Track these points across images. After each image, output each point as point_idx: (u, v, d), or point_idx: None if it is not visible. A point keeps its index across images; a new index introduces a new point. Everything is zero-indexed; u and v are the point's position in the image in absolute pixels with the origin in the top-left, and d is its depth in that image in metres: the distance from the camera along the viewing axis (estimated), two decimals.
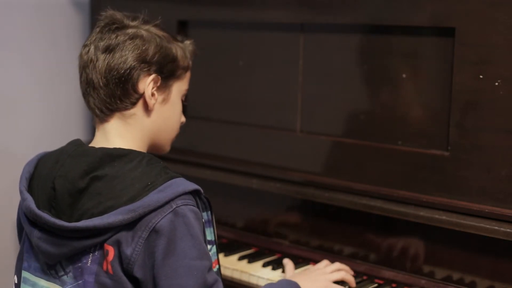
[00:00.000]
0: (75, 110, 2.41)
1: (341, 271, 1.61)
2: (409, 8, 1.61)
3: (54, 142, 1.44)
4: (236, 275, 1.72)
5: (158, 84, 1.37)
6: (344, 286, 1.59)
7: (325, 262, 1.66)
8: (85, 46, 1.38)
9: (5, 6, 2.23)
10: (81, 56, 1.38)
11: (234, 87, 1.98)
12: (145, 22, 1.40)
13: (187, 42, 1.48)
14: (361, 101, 1.74)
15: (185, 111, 2.06)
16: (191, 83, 2.05)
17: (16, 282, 1.40)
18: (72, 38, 2.36)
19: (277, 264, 1.74)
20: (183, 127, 2.04)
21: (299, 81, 1.83)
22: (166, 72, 1.39)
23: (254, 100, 1.94)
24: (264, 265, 1.74)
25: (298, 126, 1.85)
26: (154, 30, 1.39)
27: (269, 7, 1.85)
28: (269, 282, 1.55)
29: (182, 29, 2.05)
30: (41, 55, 2.34)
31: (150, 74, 1.36)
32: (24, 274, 1.37)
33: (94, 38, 1.37)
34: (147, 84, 1.35)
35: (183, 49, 1.44)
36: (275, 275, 1.69)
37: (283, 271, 1.70)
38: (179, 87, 1.44)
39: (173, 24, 2.03)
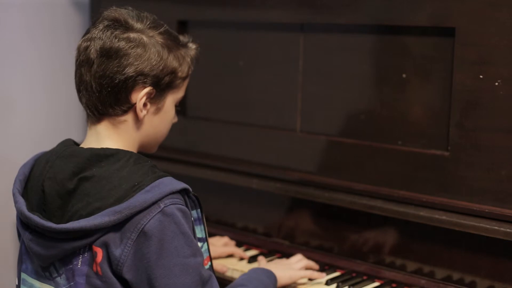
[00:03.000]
0: (75, 110, 2.41)
1: (302, 259, 1.69)
2: (409, 8, 1.61)
3: (54, 142, 1.44)
4: (236, 275, 1.71)
5: (152, 96, 1.34)
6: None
7: (285, 258, 1.73)
8: (85, 40, 1.33)
9: (5, 6, 2.23)
10: (79, 50, 1.33)
11: (234, 87, 1.98)
12: (152, 27, 1.35)
13: (192, 46, 1.43)
14: (361, 101, 1.74)
15: (183, 111, 2.07)
16: (192, 83, 2.05)
17: (17, 283, 1.40)
18: (72, 38, 2.36)
19: None
20: (183, 127, 2.04)
21: (299, 81, 1.83)
22: (163, 84, 1.35)
23: (254, 100, 1.94)
24: None
25: (298, 126, 1.84)
26: (158, 38, 1.34)
27: (269, 7, 1.85)
28: None
29: (182, 29, 2.05)
30: (41, 55, 2.34)
31: (145, 87, 1.32)
32: (23, 275, 1.37)
33: (95, 35, 1.32)
34: (139, 98, 1.32)
35: (184, 57, 1.39)
36: None
37: None
38: (174, 96, 1.40)
39: (173, 24, 2.02)
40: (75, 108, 2.41)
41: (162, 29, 1.36)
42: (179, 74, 1.38)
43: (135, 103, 1.32)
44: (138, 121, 1.35)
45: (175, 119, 1.46)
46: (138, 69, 1.30)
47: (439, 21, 1.57)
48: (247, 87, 1.95)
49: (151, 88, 1.33)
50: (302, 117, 1.84)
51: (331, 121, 1.79)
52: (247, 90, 1.95)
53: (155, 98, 1.35)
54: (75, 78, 1.35)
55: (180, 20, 2.05)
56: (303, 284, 1.64)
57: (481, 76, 1.51)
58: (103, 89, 1.31)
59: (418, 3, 1.59)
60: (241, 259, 1.79)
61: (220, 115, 2.01)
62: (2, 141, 2.26)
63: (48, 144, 1.43)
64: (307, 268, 1.67)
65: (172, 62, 1.35)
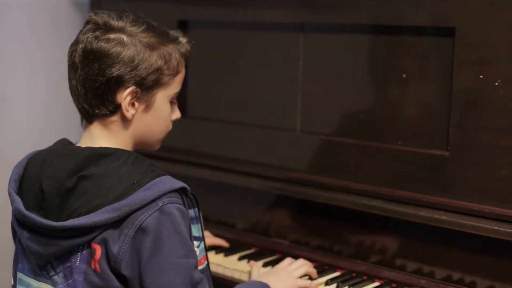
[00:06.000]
0: (74, 110, 2.40)
1: (304, 265, 1.62)
2: (409, 8, 1.61)
3: (54, 141, 1.44)
4: (236, 275, 1.72)
5: (138, 95, 1.33)
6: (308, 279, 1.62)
7: (288, 260, 1.64)
8: (72, 45, 1.36)
9: (5, 6, 2.23)
10: (68, 56, 1.37)
11: (234, 87, 1.98)
12: (133, 25, 1.34)
13: (183, 40, 1.40)
14: (361, 101, 1.74)
15: (184, 110, 2.07)
16: (192, 83, 2.05)
17: (12, 283, 1.41)
18: (72, 38, 2.35)
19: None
20: (183, 127, 2.04)
21: (299, 81, 1.83)
22: (148, 83, 1.33)
23: (254, 100, 1.94)
24: (264, 265, 1.74)
25: (298, 126, 1.84)
26: (141, 36, 1.33)
27: (269, 7, 1.85)
28: None
29: (182, 29, 2.04)
30: (41, 55, 2.34)
31: (128, 87, 1.31)
32: (19, 275, 1.38)
33: (79, 39, 1.34)
34: (123, 98, 1.32)
35: (171, 53, 1.36)
36: None
37: None
38: (165, 93, 1.37)
39: (173, 24, 2.02)
40: (75, 107, 2.40)
41: (144, 27, 1.34)
42: (166, 71, 1.35)
43: (121, 103, 1.33)
44: (127, 120, 1.35)
45: (178, 115, 1.44)
46: (119, 70, 1.30)
47: (439, 21, 1.57)
48: (247, 87, 1.95)
49: (135, 87, 1.32)
50: (302, 117, 1.84)
51: (331, 121, 1.79)
52: (247, 90, 1.95)
53: (142, 96, 1.34)
54: (68, 83, 1.39)
55: (180, 20, 2.05)
56: None
57: (481, 76, 1.51)
58: (88, 91, 1.33)
59: (418, 3, 1.59)
60: (241, 259, 1.78)
61: (220, 115, 2.01)
62: (2, 140, 2.26)
63: (48, 142, 1.44)
64: (308, 274, 1.63)
65: (156, 60, 1.33)
